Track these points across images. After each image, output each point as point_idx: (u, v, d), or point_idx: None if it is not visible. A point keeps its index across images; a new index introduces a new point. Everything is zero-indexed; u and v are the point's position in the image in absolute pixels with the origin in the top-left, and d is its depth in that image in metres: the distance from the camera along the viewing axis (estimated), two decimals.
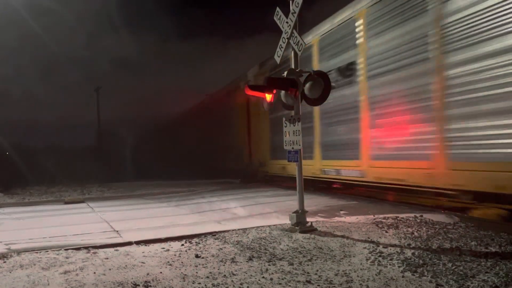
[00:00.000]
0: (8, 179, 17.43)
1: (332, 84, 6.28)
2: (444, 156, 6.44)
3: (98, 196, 12.09)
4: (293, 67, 6.03)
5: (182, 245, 5.13)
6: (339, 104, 9.25)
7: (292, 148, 5.99)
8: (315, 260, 4.26)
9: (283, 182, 13.03)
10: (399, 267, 3.93)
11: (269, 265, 4.12)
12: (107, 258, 4.56)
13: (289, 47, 6.11)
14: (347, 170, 9.13)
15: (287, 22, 6.01)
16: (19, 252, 4.92)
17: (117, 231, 6.25)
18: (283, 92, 6.18)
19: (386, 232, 5.48)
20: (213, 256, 4.54)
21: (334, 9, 9.97)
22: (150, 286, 3.60)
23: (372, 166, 8.22)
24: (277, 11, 6.22)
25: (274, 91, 6.10)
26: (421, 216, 6.48)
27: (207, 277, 3.79)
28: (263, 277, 3.75)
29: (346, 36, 9.05)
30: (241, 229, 5.97)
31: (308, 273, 3.83)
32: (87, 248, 5.05)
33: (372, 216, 6.66)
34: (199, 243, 5.18)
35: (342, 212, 7.51)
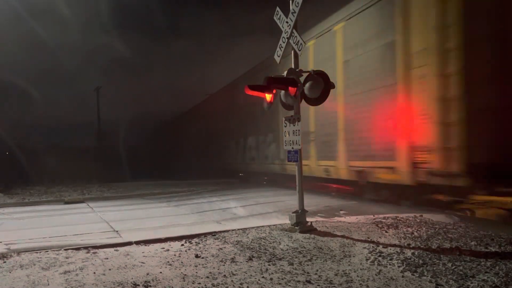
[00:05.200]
0: (8, 179, 17.43)
1: None
2: None
3: (98, 196, 12.10)
4: (293, 66, 6.02)
5: (182, 245, 5.13)
6: None
7: (292, 148, 5.99)
8: (315, 260, 4.26)
9: (283, 182, 13.03)
10: (399, 267, 3.93)
11: (269, 265, 4.12)
12: (107, 258, 4.56)
13: (288, 47, 6.12)
14: None
15: (287, 22, 6.01)
16: (19, 252, 4.92)
17: (117, 231, 6.26)
18: (282, 92, 6.18)
19: (386, 232, 5.48)
20: (213, 256, 4.53)
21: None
22: (150, 286, 3.60)
23: None
24: (277, 11, 6.22)
25: (274, 91, 6.09)
26: (421, 216, 6.49)
27: (207, 277, 3.79)
28: (263, 277, 3.75)
29: None
30: (241, 229, 5.96)
31: (308, 273, 3.83)
32: (87, 248, 5.05)
33: (372, 216, 6.66)
34: (199, 243, 5.18)
35: (342, 212, 7.52)
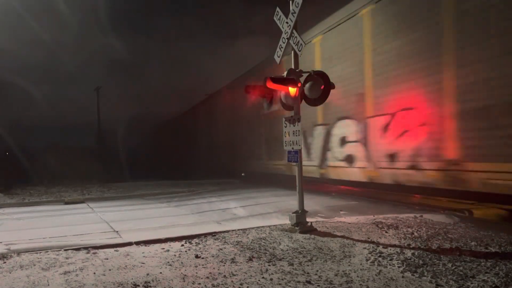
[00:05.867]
0: (8, 179, 17.43)
1: None
2: None
3: (98, 196, 12.09)
4: (293, 67, 6.03)
5: (182, 245, 5.13)
6: None
7: (292, 148, 5.99)
8: (315, 260, 4.26)
9: (283, 182, 13.03)
10: (399, 267, 3.93)
11: (269, 265, 4.12)
12: (107, 259, 4.56)
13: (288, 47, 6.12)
14: None
15: (287, 22, 6.01)
16: (19, 252, 4.92)
17: (117, 232, 6.26)
18: (283, 92, 6.18)
19: (386, 232, 5.48)
20: (213, 256, 4.53)
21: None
22: (150, 286, 3.60)
23: None
24: (277, 11, 6.22)
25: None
26: (421, 216, 6.49)
27: (207, 277, 3.79)
28: (263, 277, 3.75)
29: None
30: (241, 229, 5.97)
31: (308, 273, 3.83)
32: (87, 248, 5.05)
33: (372, 216, 6.66)
34: (199, 244, 5.18)
35: (342, 212, 7.52)
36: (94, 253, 4.86)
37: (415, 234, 5.29)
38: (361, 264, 4.10)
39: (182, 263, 4.32)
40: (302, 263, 4.17)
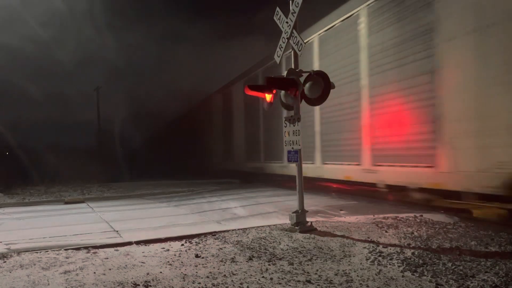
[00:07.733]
0: (8, 179, 17.43)
1: None
2: None
3: (98, 196, 12.10)
4: (293, 67, 6.03)
5: (182, 245, 5.14)
6: None
7: (292, 148, 5.99)
8: (315, 260, 4.26)
9: (284, 182, 13.02)
10: (399, 266, 3.93)
11: (269, 265, 4.12)
12: (107, 258, 4.56)
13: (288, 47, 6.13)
14: None
15: (287, 22, 6.02)
16: (19, 252, 4.93)
17: (117, 231, 6.26)
18: (283, 92, 6.19)
19: (386, 232, 5.48)
20: (213, 256, 4.54)
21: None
22: (150, 286, 3.60)
23: None
24: (277, 11, 6.22)
25: (274, 91, 6.09)
26: (421, 216, 6.49)
27: (207, 276, 3.79)
28: (263, 276, 3.75)
29: None
30: (241, 229, 5.97)
31: (308, 272, 3.83)
32: (87, 248, 5.06)
33: (372, 216, 6.66)
34: (199, 243, 5.18)
35: (342, 212, 7.52)
36: (94, 252, 4.87)
37: (415, 233, 5.29)
38: (361, 263, 4.10)
39: (182, 262, 4.32)
40: (302, 262, 4.17)
